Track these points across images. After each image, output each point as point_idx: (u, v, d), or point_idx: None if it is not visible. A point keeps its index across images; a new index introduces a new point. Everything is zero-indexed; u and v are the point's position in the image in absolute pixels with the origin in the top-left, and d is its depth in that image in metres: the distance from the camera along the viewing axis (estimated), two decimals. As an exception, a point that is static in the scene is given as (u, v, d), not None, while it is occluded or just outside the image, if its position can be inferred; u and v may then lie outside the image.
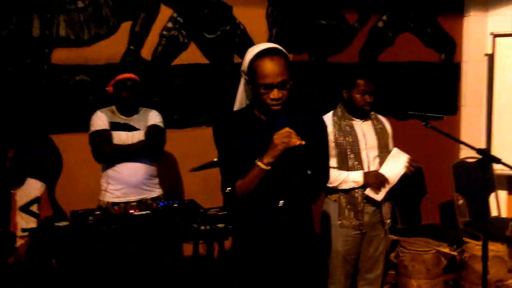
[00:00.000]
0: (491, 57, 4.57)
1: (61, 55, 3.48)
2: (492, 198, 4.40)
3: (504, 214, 4.54)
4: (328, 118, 2.87)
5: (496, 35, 4.47)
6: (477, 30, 4.68)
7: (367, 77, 2.82)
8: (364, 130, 2.87)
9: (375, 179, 2.77)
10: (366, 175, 2.78)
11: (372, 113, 2.93)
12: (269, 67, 1.88)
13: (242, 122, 2.00)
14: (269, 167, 1.89)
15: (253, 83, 1.93)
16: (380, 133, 2.90)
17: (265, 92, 1.90)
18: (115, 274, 2.70)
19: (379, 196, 2.80)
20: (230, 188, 1.96)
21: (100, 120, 3.03)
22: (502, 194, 4.66)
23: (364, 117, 2.89)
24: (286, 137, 1.87)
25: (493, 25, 4.62)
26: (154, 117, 3.14)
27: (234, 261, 2.08)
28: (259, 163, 1.90)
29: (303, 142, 1.86)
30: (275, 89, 1.89)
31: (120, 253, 2.66)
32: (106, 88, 3.08)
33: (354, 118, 2.88)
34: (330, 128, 2.81)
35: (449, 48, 4.69)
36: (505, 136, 4.44)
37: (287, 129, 1.88)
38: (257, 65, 1.90)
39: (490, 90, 4.57)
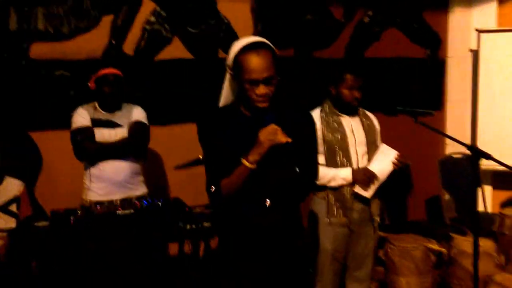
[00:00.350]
0: (475, 53, 4.58)
1: (40, 50, 3.38)
2: (477, 193, 4.41)
3: (489, 209, 4.56)
4: (316, 114, 2.82)
5: (480, 31, 4.47)
6: (461, 26, 4.68)
7: (355, 72, 2.77)
8: (352, 126, 2.82)
9: (364, 176, 2.72)
10: (355, 172, 2.74)
11: (359, 109, 2.88)
12: (255, 62, 1.81)
13: (227, 119, 1.94)
14: (254, 166, 1.83)
15: (238, 79, 1.86)
16: (368, 129, 2.86)
17: (251, 88, 1.83)
18: (98, 276, 2.61)
19: (368, 193, 2.76)
20: (214, 187, 1.90)
21: (81, 117, 2.94)
22: (487, 189, 4.68)
23: (352, 113, 2.84)
24: (272, 134, 1.81)
25: (477, 21, 4.63)
26: (137, 114, 3.06)
27: (220, 262, 2.02)
28: (244, 161, 1.84)
29: (290, 140, 1.80)
30: (261, 84, 1.82)
31: (102, 254, 2.58)
32: (88, 84, 2.99)
33: (342, 114, 2.83)
34: (318, 125, 2.76)
35: (434, 44, 4.68)
36: (490, 131, 4.46)
37: (273, 125, 1.82)
38: (242, 60, 1.83)
39: (475, 85, 4.58)
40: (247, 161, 1.83)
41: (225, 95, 2.02)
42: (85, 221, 2.56)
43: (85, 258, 2.57)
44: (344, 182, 2.74)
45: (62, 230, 2.57)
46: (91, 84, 2.98)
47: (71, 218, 2.57)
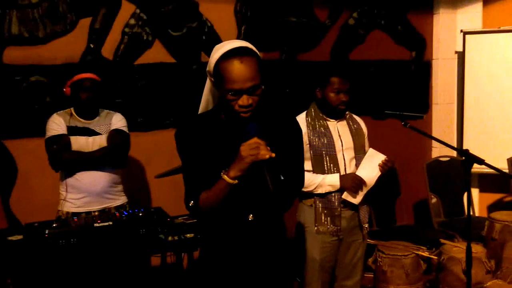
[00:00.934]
0: (461, 55, 4.55)
1: (14, 55, 3.24)
2: (464, 197, 4.37)
3: (477, 213, 4.53)
4: (302, 118, 2.74)
5: (466, 33, 4.44)
6: (446, 28, 4.66)
7: (341, 75, 2.70)
8: (340, 131, 2.74)
9: (352, 182, 2.64)
10: (343, 178, 2.65)
11: (347, 112, 2.80)
12: (238, 70, 1.65)
13: (207, 127, 1.80)
14: (235, 181, 1.69)
15: (219, 87, 1.72)
16: (356, 133, 2.77)
17: (233, 99, 1.69)
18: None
19: (356, 200, 2.68)
20: (193, 202, 1.77)
21: (56, 125, 2.81)
22: (474, 192, 4.65)
23: (339, 117, 2.76)
24: (254, 149, 1.64)
25: (462, 23, 4.61)
26: (117, 121, 2.94)
27: (202, 275, 1.90)
28: (224, 177, 1.70)
29: (273, 155, 1.64)
30: (244, 95, 1.68)
31: (80, 269, 2.45)
32: (63, 89, 2.86)
33: (328, 119, 2.75)
34: (304, 129, 2.67)
35: (419, 46, 4.65)
36: (476, 134, 4.43)
37: (255, 139, 1.65)
38: (224, 68, 1.67)
39: (461, 87, 4.55)
40: (228, 176, 1.69)
41: (205, 102, 1.89)
42: (60, 235, 2.42)
43: (60, 275, 2.43)
44: (331, 189, 2.66)
45: (37, 245, 2.42)
46: (66, 90, 2.84)
47: (46, 231, 2.42)
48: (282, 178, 1.77)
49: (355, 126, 2.80)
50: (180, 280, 2.84)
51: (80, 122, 2.87)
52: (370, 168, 2.71)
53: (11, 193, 3.30)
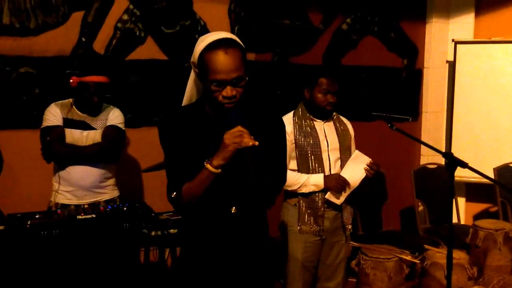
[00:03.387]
0: (452, 64, 4.59)
1: (4, 45, 3.22)
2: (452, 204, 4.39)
3: (462, 221, 4.55)
4: (289, 118, 2.75)
5: (457, 42, 4.48)
6: (439, 37, 4.71)
7: (330, 76, 2.71)
8: (326, 131, 2.75)
9: (336, 183, 2.65)
10: (327, 178, 2.66)
11: (334, 114, 2.81)
12: (222, 61, 1.66)
13: (191, 119, 1.80)
14: (219, 170, 1.69)
15: (203, 78, 1.72)
16: (342, 135, 2.78)
17: (217, 90, 1.69)
18: (56, 285, 2.46)
19: (339, 200, 2.69)
20: (176, 193, 1.76)
21: (52, 115, 2.79)
22: (461, 201, 4.68)
23: (325, 117, 2.77)
24: (238, 136, 1.65)
25: (454, 32, 4.65)
26: (114, 117, 2.92)
27: (183, 271, 1.89)
28: (208, 166, 1.69)
29: (256, 143, 1.64)
30: (228, 86, 1.68)
31: (62, 261, 2.43)
32: (70, 80, 2.79)
33: (315, 119, 2.76)
34: (290, 129, 2.69)
35: (411, 54, 4.68)
36: (464, 143, 4.46)
37: (239, 127, 1.66)
38: (208, 58, 1.67)
39: (451, 96, 4.58)
40: (211, 165, 1.69)
41: (189, 94, 1.89)
42: (42, 226, 2.40)
43: (41, 267, 2.42)
44: (315, 189, 2.67)
45: (18, 236, 2.40)
46: (73, 81, 2.79)
47: (28, 222, 2.41)
48: (265, 172, 1.75)
49: (341, 127, 2.81)
50: (163, 275, 2.83)
51: (78, 115, 2.84)
52: (355, 169, 2.72)
53: (-4, 184, 3.27)
